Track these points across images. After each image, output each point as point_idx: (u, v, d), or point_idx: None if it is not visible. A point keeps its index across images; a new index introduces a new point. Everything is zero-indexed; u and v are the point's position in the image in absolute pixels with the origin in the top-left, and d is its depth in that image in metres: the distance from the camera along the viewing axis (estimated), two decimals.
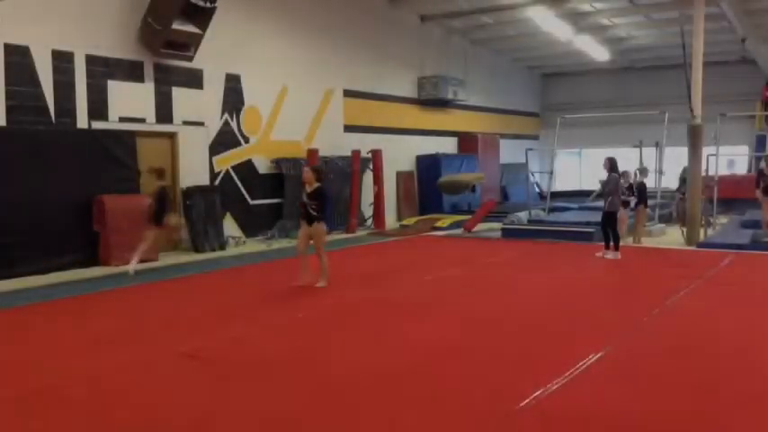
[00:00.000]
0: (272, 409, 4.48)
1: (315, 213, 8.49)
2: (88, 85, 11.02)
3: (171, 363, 5.54)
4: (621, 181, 11.73)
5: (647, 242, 12.92)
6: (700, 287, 8.62)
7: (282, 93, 14.75)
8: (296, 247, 9.10)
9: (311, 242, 8.66)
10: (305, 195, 8.64)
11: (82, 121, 10.98)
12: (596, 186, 14.58)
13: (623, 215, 12.11)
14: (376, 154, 16.41)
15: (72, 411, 4.52)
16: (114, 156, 11.11)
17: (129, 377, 5.19)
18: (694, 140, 13.07)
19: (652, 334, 6.34)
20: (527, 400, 4.51)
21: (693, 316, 7.12)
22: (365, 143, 16.45)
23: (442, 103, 19.81)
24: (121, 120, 11.52)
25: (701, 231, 13.20)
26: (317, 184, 8.55)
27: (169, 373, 5.29)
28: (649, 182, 13.83)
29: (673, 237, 13.62)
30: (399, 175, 18.42)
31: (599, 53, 21.34)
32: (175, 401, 4.66)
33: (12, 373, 5.33)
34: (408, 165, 18.97)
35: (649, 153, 16.28)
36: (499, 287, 8.98)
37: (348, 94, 16.63)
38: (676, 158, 18.01)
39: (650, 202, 13.65)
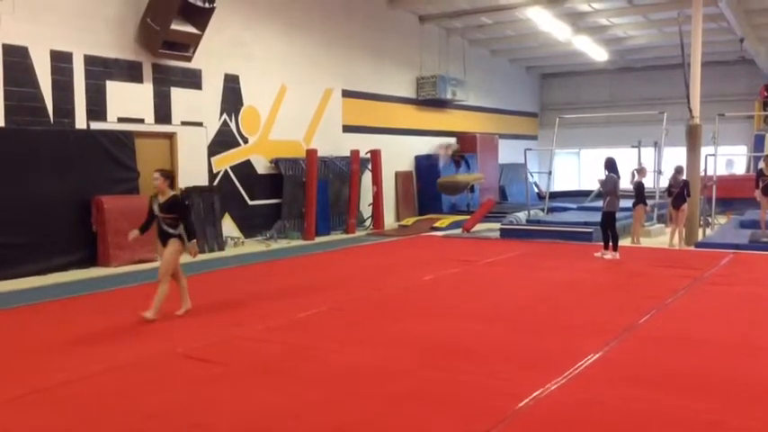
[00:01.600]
0: (271, 407, 4.48)
1: (170, 230, 6.90)
2: (87, 85, 11.01)
3: (169, 362, 5.53)
4: (679, 177, 12.24)
5: (645, 242, 12.93)
6: (698, 287, 8.64)
7: (281, 93, 14.74)
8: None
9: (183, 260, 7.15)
10: (157, 207, 6.96)
11: (80, 122, 10.96)
12: (595, 186, 14.60)
13: (684, 209, 12.38)
14: (375, 154, 16.41)
15: (73, 411, 4.52)
16: (113, 156, 11.09)
17: (127, 377, 5.18)
18: (693, 140, 13.09)
19: (651, 334, 6.34)
20: (526, 400, 4.51)
21: (692, 315, 7.13)
22: (364, 143, 16.45)
23: (440, 104, 19.83)
24: (120, 120, 11.50)
25: (700, 231, 13.21)
26: (171, 193, 6.99)
27: (167, 373, 5.28)
28: (648, 182, 13.84)
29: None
30: (398, 175, 18.43)
31: (597, 53, 21.37)
32: (174, 400, 4.66)
33: (11, 373, 5.31)
34: (407, 165, 18.97)
35: (648, 153, 16.30)
36: (498, 287, 8.98)
37: (347, 94, 16.62)
38: (675, 158, 18.00)
39: (649, 202, 13.66)
